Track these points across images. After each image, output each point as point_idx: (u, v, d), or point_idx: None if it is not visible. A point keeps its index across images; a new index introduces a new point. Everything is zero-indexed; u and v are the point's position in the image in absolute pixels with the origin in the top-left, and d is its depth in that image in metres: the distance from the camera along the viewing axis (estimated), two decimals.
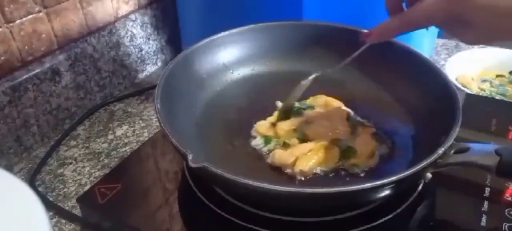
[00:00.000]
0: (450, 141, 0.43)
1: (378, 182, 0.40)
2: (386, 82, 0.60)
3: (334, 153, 0.50)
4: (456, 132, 0.44)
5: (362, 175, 0.49)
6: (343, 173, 0.49)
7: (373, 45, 0.60)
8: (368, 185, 0.39)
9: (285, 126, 0.54)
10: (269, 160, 0.51)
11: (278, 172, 0.50)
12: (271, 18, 0.65)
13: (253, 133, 0.55)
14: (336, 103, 0.58)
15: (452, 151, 0.43)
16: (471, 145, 0.44)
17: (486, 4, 0.37)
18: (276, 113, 0.57)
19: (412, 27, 0.43)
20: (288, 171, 0.49)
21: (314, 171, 0.49)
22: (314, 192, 0.39)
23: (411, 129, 0.54)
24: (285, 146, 0.52)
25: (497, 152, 0.42)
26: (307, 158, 0.49)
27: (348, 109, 0.57)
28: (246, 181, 0.39)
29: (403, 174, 0.40)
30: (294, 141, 0.52)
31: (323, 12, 0.65)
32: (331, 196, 0.40)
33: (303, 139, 0.53)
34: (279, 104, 0.59)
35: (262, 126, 0.55)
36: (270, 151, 0.52)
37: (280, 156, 0.50)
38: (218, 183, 0.48)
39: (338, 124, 0.54)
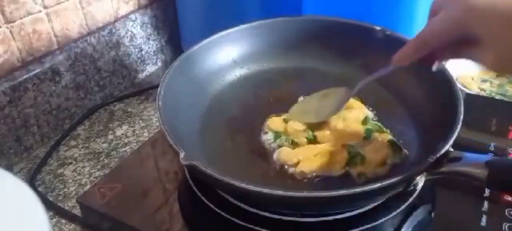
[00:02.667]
0: (443, 150, 0.42)
1: (358, 189, 0.40)
2: (394, 83, 0.59)
3: (342, 158, 0.49)
4: (450, 142, 0.43)
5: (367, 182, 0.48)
6: (347, 178, 0.48)
7: (383, 44, 0.60)
8: (345, 191, 0.40)
9: (296, 125, 0.54)
10: (275, 156, 0.51)
11: (280, 170, 0.50)
12: (270, 17, 0.65)
13: (265, 128, 0.55)
14: (356, 105, 0.56)
15: (445, 160, 0.43)
16: (464, 154, 0.43)
17: (486, 7, 0.35)
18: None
19: (428, 47, 0.42)
20: (291, 170, 0.49)
21: (317, 174, 0.49)
22: (286, 195, 0.39)
23: (413, 131, 0.54)
24: (294, 144, 0.52)
25: (487, 164, 0.41)
26: (311, 161, 0.49)
27: (368, 112, 0.56)
28: (231, 181, 0.40)
29: (387, 182, 0.40)
30: (303, 140, 0.52)
31: (322, 8, 0.65)
32: (307, 200, 0.40)
33: (313, 140, 0.52)
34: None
35: (275, 122, 0.55)
36: (279, 147, 0.52)
37: (285, 153, 0.50)
38: (210, 182, 0.48)
39: (352, 127, 0.53)
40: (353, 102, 0.56)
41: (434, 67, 0.45)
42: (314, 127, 0.53)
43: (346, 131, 0.52)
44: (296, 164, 0.49)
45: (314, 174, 0.49)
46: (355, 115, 0.54)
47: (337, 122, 0.53)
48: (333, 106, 0.54)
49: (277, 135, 0.53)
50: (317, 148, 0.50)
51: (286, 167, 0.50)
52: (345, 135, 0.52)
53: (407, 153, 0.50)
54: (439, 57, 0.44)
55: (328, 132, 0.52)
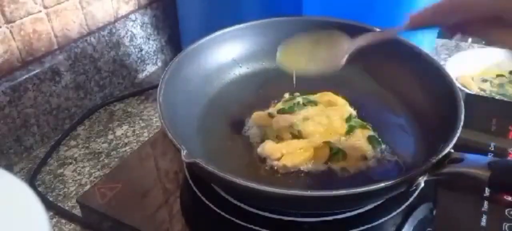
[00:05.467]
0: (445, 151, 0.42)
1: (360, 189, 0.40)
2: (392, 82, 0.60)
3: (324, 154, 0.50)
4: (452, 143, 0.43)
5: (351, 177, 0.49)
6: (331, 173, 0.49)
7: (383, 45, 0.60)
8: (347, 191, 0.40)
9: (281, 121, 0.54)
10: (259, 149, 0.51)
11: (264, 163, 0.51)
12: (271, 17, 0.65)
13: (250, 123, 0.55)
14: (340, 102, 0.57)
15: (447, 161, 0.43)
16: (466, 155, 0.43)
17: None
18: (278, 104, 0.57)
19: (453, 16, 0.38)
20: (274, 163, 0.50)
21: (301, 169, 0.49)
22: (289, 194, 0.40)
23: (413, 132, 0.54)
24: (278, 139, 0.52)
25: (490, 166, 0.41)
26: (294, 155, 0.50)
27: (351, 110, 0.56)
28: (234, 179, 0.40)
29: (389, 183, 0.40)
30: (288, 135, 0.53)
31: (323, 8, 0.65)
32: (309, 200, 0.40)
33: (297, 135, 0.53)
34: (287, 96, 0.59)
35: (259, 116, 0.55)
36: (263, 141, 0.52)
37: (269, 147, 0.51)
38: (211, 180, 0.48)
39: (336, 124, 0.53)
40: (337, 99, 0.57)
41: (454, 38, 0.44)
42: (299, 122, 0.54)
43: (330, 127, 0.53)
44: (279, 158, 0.49)
45: (297, 169, 0.49)
46: (339, 112, 0.55)
47: (321, 119, 0.54)
48: (332, 58, 0.47)
49: (262, 129, 0.54)
50: (301, 143, 0.51)
51: (267, 160, 0.50)
52: (328, 131, 0.53)
53: (384, 147, 0.52)
54: (462, 30, 0.41)
55: (312, 128, 0.53)
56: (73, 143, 0.67)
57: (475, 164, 0.43)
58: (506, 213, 0.46)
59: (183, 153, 0.41)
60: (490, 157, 0.44)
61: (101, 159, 0.63)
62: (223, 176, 0.40)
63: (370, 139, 0.52)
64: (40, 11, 0.63)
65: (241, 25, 0.63)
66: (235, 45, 0.64)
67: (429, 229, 0.46)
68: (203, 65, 0.60)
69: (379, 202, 0.47)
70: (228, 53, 0.63)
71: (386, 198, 0.46)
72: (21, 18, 0.61)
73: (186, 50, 0.58)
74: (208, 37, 0.61)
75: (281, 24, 0.65)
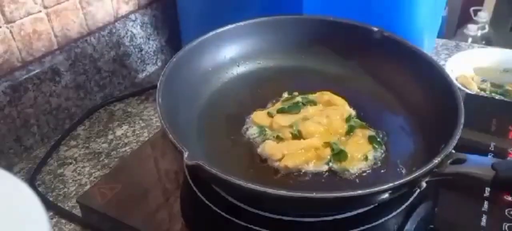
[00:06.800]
0: (447, 151, 0.42)
1: (364, 191, 0.40)
2: (391, 82, 0.60)
3: (325, 154, 0.50)
4: (454, 142, 0.43)
5: (352, 178, 0.49)
6: (332, 174, 0.49)
7: (381, 45, 0.60)
8: (349, 193, 0.40)
9: (281, 121, 0.54)
10: (259, 150, 0.51)
11: (264, 164, 0.50)
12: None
13: (249, 122, 0.55)
14: (339, 102, 0.57)
15: (449, 161, 0.43)
16: (468, 156, 0.44)
17: None
18: (277, 104, 0.57)
19: None
20: (275, 164, 0.49)
21: (302, 170, 0.49)
22: (293, 196, 0.39)
23: (413, 133, 0.54)
24: (278, 139, 0.52)
25: (493, 167, 0.42)
26: (296, 156, 0.50)
27: (351, 110, 0.56)
28: (239, 182, 0.40)
29: (396, 183, 0.40)
30: (288, 135, 0.53)
31: (323, 8, 0.65)
32: (312, 202, 0.40)
33: (297, 136, 0.53)
34: (285, 95, 0.59)
35: (259, 116, 0.55)
36: (263, 141, 0.52)
37: (270, 148, 0.50)
38: (214, 182, 0.48)
39: (335, 123, 0.54)
40: (336, 99, 0.57)
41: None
42: (299, 123, 0.54)
43: (330, 127, 0.53)
44: (280, 159, 0.49)
45: (298, 169, 0.49)
46: (339, 112, 0.55)
47: (321, 119, 0.54)
48: None
49: (262, 129, 0.54)
50: (302, 143, 0.51)
51: (268, 161, 0.50)
52: (329, 131, 0.53)
53: (390, 146, 0.52)
54: None
55: (312, 128, 0.53)
56: (73, 143, 0.67)
57: (479, 165, 0.43)
58: (506, 213, 0.46)
59: (185, 155, 0.41)
60: (493, 158, 0.44)
61: (101, 159, 0.63)
62: (227, 178, 0.40)
63: (370, 139, 0.52)
64: (40, 11, 0.63)
65: (238, 24, 0.62)
66: (232, 44, 0.63)
67: (431, 226, 0.46)
68: (200, 65, 0.60)
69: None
70: (225, 52, 0.63)
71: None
72: (21, 18, 0.61)
73: (183, 49, 0.57)
74: (204, 37, 0.60)
75: (278, 23, 0.65)
